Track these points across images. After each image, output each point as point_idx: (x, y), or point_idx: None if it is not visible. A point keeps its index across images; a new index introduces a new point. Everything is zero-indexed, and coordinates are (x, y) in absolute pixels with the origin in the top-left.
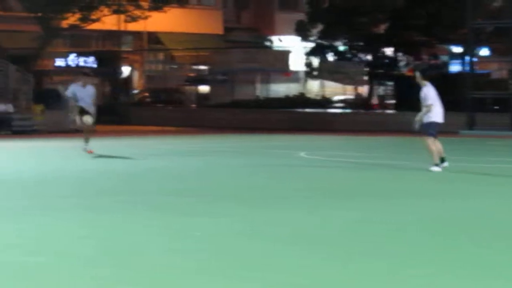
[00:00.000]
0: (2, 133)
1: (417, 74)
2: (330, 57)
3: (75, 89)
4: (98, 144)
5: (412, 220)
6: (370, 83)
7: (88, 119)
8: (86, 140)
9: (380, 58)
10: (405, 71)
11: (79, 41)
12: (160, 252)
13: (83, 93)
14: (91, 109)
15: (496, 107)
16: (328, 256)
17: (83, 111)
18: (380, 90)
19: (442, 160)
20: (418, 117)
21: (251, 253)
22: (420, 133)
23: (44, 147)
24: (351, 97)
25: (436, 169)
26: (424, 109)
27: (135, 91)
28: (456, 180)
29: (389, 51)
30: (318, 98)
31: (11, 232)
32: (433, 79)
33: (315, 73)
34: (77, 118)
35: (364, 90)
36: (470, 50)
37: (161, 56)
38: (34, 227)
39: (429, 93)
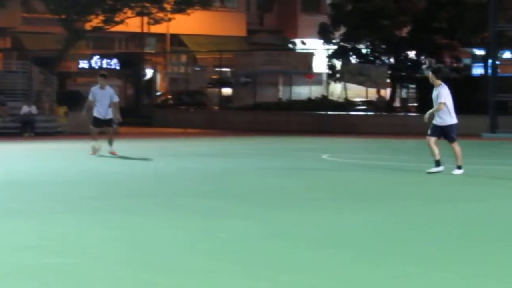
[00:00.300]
0: (25, 134)
1: (430, 74)
2: (353, 59)
3: (94, 91)
4: (122, 146)
5: (436, 222)
6: (393, 86)
7: (110, 130)
8: (110, 142)
9: (402, 61)
10: (427, 74)
11: (103, 43)
12: (185, 254)
13: (101, 95)
14: (108, 111)
15: None
16: (353, 258)
17: (98, 123)
18: (403, 92)
19: (438, 163)
20: (427, 114)
21: (275, 255)
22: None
23: (68, 149)
24: (374, 99)
25: (459, 171)
26: (435, 107)
27: (158, 93)
28: (480, 183)
29: (411, 54)
30: (341, 100)
31: (36, 234)
32: (456, 82)
33: (337, 75)
34: (93, 129)
35: (386, 92)
36: (492, 53)
37: (184, 58)
38: (60, 229)
39: (443, 92)
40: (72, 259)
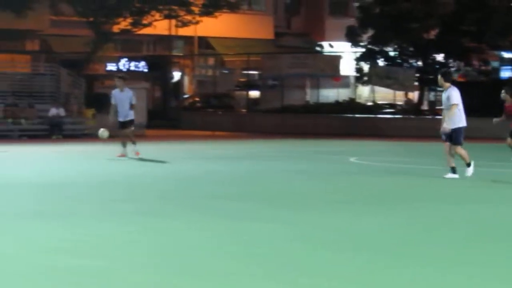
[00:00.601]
0: (53, 137)
1: (439, 77)
2: (381, 62)
3: (115, 94)
4: (150, 148)
5: (461, 225)
6: (421, 88)
7: (126, 132)
8: (134, 143)
9: (430, 64)
10: (455, 77)
11: (130, 46)
12: (210, 256)
13: (121, 97)
14: (129, 113)
15: None
16: (372, 261)
17: (123, 125)
18: (431, 95)
19: (454, 170)
20: (445, 123)
21: (297, 258)
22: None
23: (96, 151)
24: (401, 102)
25: (470, 170)
26: (447, 112)
27: (186, 96)
28: (506, 186)
29: (439, 57)
30: (368, 103)
31: (64, 235)
32: (484, 85)
33: (365, 78)
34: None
35: (414, 95)
36: None
37: (211, 61)
38: (87, 231)
39: (453, 94)
40: (100, 261)
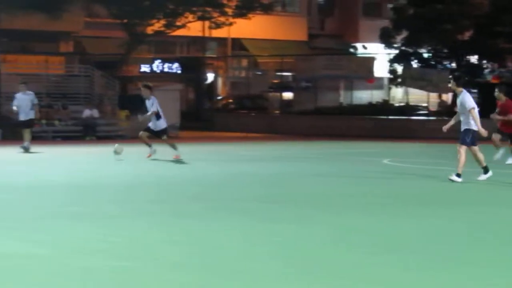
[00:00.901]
0: (87, 138)
1: (451, 81)
2: (414, 64)
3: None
4: (183, 150)
5: (494, 228)
6: (454, 90)
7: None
8: (149, 144)
9: (464, 65)
10: (489, 78)
11: (164, 47)
12: (242, 258)
13: (147, 105)
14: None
15: None
16: (407, 263)
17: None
18: None
19: (486, 170)
20: (479, 128)
21: (329, 260)
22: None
23: (129, 153)
24: (435, 104)
25: (457, 179)
26: (463, 116)
27: (219, 97)
28: None
29: (473, 58)
30: (402, 105)
31: (99, 236)
32: None
33: (399, 80)
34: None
35: (448, 97)
36: None
37: (245, 62)
38: (122, 232)
39: (466, 99)
40: (133, 263)
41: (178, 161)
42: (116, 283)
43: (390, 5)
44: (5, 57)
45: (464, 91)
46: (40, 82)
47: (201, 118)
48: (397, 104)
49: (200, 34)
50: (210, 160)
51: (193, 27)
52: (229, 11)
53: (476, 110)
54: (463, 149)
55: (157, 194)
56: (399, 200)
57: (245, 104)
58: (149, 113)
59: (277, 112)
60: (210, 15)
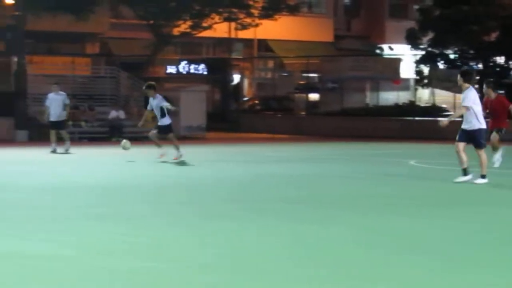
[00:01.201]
0: (113, 139)
1: (458, 76)
2: (441, 65)
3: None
4: (210, 151)
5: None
6: (481, 91)
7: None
8: (159, 145)
9: (491, 66)
10: None
11: (190, 48)
12: (272, 259)
13: (153, 104)
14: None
15: None
16: (437, 265)
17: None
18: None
19: (465, 172)
20: (446, 119)
21: (358, 261)
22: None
23: (155, 154)
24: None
25: (483, 181)
26: (456, 113)
27: (245, 98)
28: None
29: (500, 59)
30: (428, 106)
31: (126, 238)
32: None
33: (425, 81)
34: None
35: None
36: None
37: (271, 63)
38: (148, 233)
39: (468, 95)
40: (161, 264)
41: (205, 162)
42: (144, 285)
43: (416, 6)
44: (31, 58)
45: (471, 87)
46: (66, 83)
47: (227, 119)
48: (423, 105)
49: (226, 35)
50: (237, 161)
51: (219, 28)
52: (255, 12)
53: (475, 110)
54: (481, 152)
55: (184, 195)
56: (424, 201)
57: (271, 105)
58: (172, 107)
59: (303, 113)
60: (236, 16)
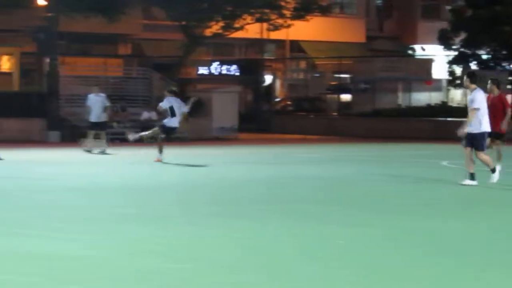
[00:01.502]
0: (145, 140)
1: (465, 77)
2: (473, 65)
3: (171, 101)
4: (241, 152)
5: None
6: (467, 88)
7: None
8: (161, 150)
9: None
10: None
11: (222, 49)
12: (298, 260)
13: (176, 106)
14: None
15: None
16: (468, 266)
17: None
18: None
19: (472, 176)
20: (463, 127)
21: (389, 263)
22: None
23: (186, 155)
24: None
25: (496, 177)
26: (469, 115)
27: (277, 99)
28: None
29: None
30: (461, 106)
31: (153, 238)
32: None
33: (457, 81)
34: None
35: (509, 99)
36: None
37: (303, 64)
38: (178, 234)
39: (476, 97)
40: (190, 264)
41: (235, 162)
42: (172, 285)
43: (448, 7)
44: (63, 59)
45: (478, 89)
46: (98, 84)
47: (259, 120)
48: (455, 106)
49: (257, 36)
50: (268, 162)
51: (251, 29)
52: (287, 13)
53: (481, 112)
54: (481, 155)
55: (216, 196)
56: (457, 202)
57: (303, 106)
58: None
59: (335, 114)
60: (269, 17)
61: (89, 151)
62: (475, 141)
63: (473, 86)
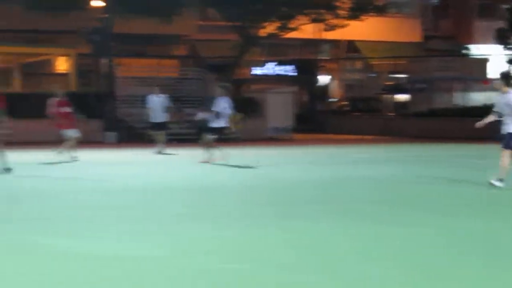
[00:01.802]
0: (201, 141)
1: (499, 80)
2: None
3: (220, 103)
4: (297, 152)
5: None
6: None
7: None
8: (208, 149)
9: None
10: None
11: (277, 50)
12: (352, 259)
13: (223, 107)
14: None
15: None
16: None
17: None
18: None
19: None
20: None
21: (437, 263)
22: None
23: (241, 155)
24: None
25: (499, 184)
26: (509, 118)
27: (333, 100)
28: None
29: None
30: None
31: (210, 238)
32: None
33: None
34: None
35: None
36: None
37: (358, 64)
38: (235, 234)
39: None
40: (248, 264)
41: (290, 163)
42: (231, 285)
43: (505, 6)
44: (119, 60)
45: (511, 90)
46: (158, 85)
47: (315, 121)
48: None
49: (312, 36)
50: (323, 163)
51: (306, 29)
52: (343, 13)
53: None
54: (507, 153)
55: (271, 196)
56: (507, 203)
57: (359, 106)
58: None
59: (390, 114)
60: (324, 18)
61: (159, 152)
62: (505, 140)
63: (507, 88)
